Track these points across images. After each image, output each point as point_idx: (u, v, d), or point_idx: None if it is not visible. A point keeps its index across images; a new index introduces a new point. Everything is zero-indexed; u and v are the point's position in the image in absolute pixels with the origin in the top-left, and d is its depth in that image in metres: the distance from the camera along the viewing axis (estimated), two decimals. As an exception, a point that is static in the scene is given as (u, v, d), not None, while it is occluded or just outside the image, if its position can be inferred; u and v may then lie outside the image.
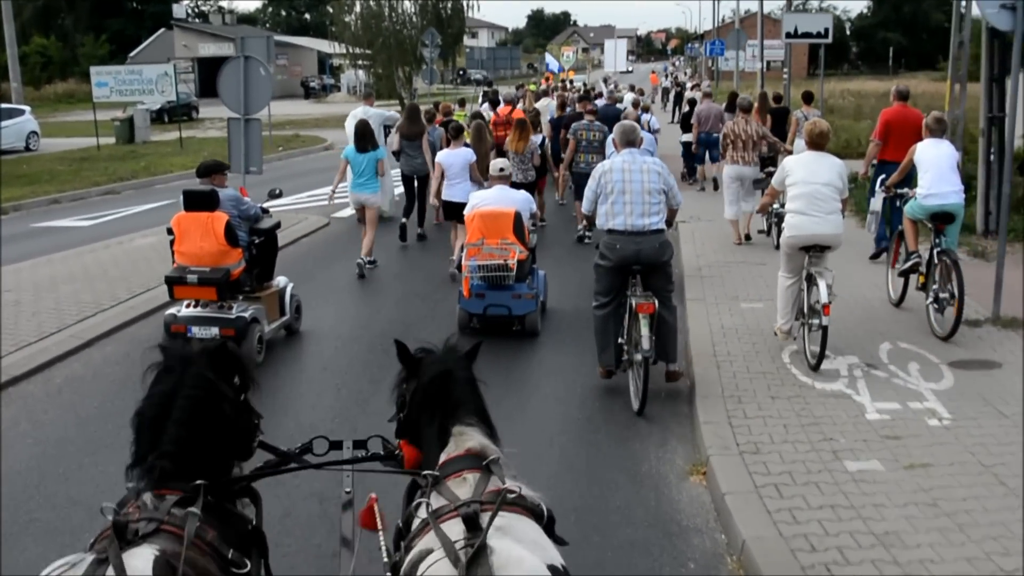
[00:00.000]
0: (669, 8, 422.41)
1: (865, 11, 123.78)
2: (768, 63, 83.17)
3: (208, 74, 58.47)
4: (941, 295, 10.02)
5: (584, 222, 15.70)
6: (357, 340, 10.84)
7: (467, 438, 3.69)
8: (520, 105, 22.43)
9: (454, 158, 14.00)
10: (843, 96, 54.50)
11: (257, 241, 10.34)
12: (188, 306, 9.77)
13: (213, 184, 9.98)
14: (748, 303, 11.62)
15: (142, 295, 12.48)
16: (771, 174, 13.42)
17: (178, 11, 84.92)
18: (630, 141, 9.07)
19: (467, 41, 73.19)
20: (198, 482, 3.45)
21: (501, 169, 11.58)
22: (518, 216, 10.81)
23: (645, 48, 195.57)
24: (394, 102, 60.74)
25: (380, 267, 14.42)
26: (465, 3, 62.34)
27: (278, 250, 10.94)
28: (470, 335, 10.47)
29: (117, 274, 13.65)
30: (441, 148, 15.35)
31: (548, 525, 3.49)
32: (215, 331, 9.39)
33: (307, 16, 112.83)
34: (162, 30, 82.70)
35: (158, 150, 33.21)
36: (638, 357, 8.34)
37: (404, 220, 16.53)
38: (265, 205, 11.15)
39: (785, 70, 31.73)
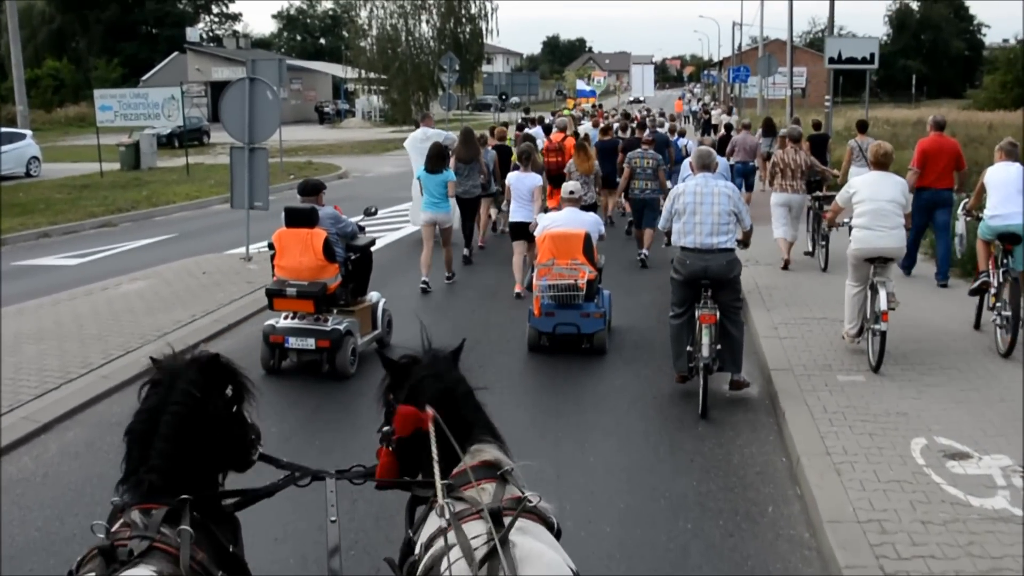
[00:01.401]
0: (684, 35, 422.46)
1: (885, 39, 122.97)
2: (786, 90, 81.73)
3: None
4: (1004, 313, 10.26)
5: (646, 248, 16.39)
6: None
7: (483, 452, 3.75)
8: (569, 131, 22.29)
9: (522, 181, 14.52)
10: (875, 124, 52.92)
11: (353, 257, 10.64)
12: (286, 318, 10.17)
13: (313, 203, 10.24)
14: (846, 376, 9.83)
15: (119, 360, 10.32)
16: (819, 199, 15.60)
17: (192, 35, 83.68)
18: (705, 165, 9.77)
19: (483, 67, 71.81)
20: (183, 496, 3.44)
21: (571, 192, 11.78)
22: (588, 237, 11.04)
23: (660, 75, 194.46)
24: (410, 128, 59.36)
25: (440, 286, 14.56)
26: (484, 28, 60.99)
27: (372, 266, 11.20)
28: (539, 353, 11.05)
29: (94, 331, 11.47)
30: (494, 171, 17.22)
31: (556, 537, 3.53)
32: (311, 342, 9.90)
33: (322, 41, 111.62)
34: (175, 54, 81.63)
35: (163, 177, 31.40)
36: (701, 364, 8.97)
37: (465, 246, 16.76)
38: (361, 223, 11.52)
39: (827, 98, 29.84)
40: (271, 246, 10.21)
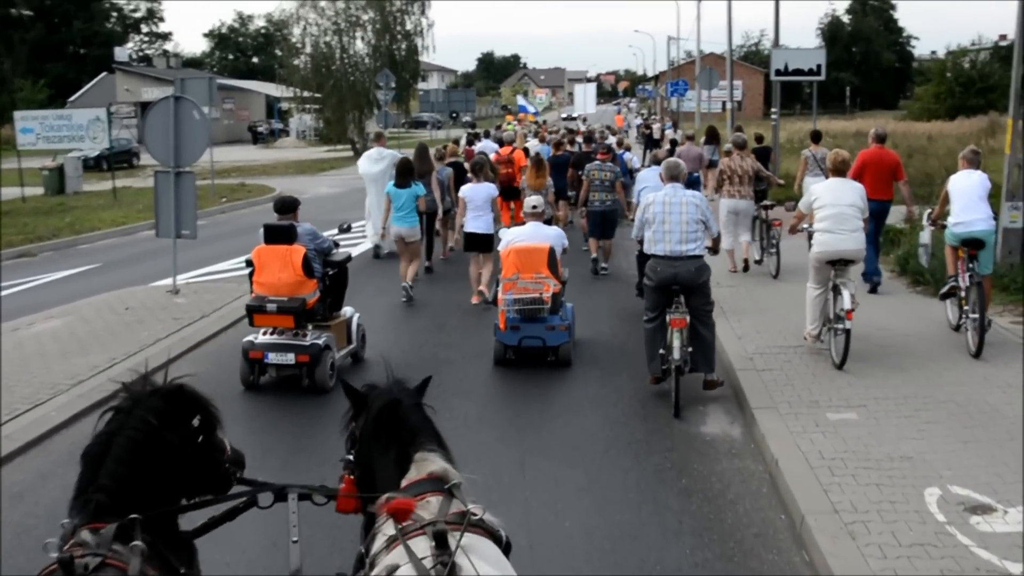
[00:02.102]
0: (618, 50, 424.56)
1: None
2: (723, 104, 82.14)
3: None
4: (971, 316, 10.65)
5: (601, 256, 16.72)
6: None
7: (429, 463, 3.70)
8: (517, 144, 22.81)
9: (477, 192, 14.60)
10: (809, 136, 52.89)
11: (331, 273, 10.81)
12: (265, 333, 10.31)
13: (290, 220, 10.42)
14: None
15: (24, 416, 9.01)
16: (767, 207, 16.25)
17: (120, 55, 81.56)
18: (674, 176, 10.10)
19: (418, 84, 70.65)
20: (132, 516, 3.40)
21: (535, 207, 11.99)
22: (552, 251, 11.20)
23: (596, 91, 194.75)
24: (345, 147, 58.20)
25: (403, 299, 14.52)
26: (420, 44, 59.77)
27: (348, 281, 11.37)
28: (506, 367, 11.09)
29: (-3, 380, 10.19)
30: (449, 187, 17.27)
31: (505, 551, 3.51)
32: (291, 357, 10.03)
33: (255, 59, 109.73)
34: (104, 74, 79.45)
35: (89, 202, 29.94)
36: (673, 366, 9.26)
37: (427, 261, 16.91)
38: (336, 238, 11.63)
39: (774, 110, 29.22)
40: (249, 263, 10.32)
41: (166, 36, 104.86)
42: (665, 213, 9.65)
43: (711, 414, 9.36)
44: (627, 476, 7.82)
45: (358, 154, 56.04)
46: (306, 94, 59.01)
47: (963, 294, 11.01)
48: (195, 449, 3.85)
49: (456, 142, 25.84)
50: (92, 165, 42.21)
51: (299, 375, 10.21)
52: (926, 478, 7.18)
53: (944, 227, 11.65)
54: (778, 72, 27.27)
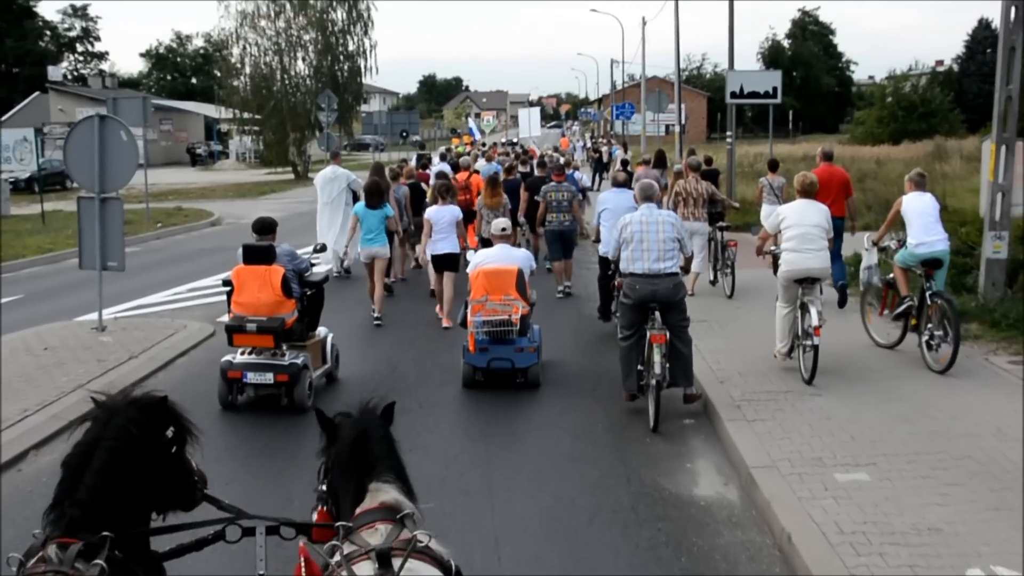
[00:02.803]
0: (560, 73, 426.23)
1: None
2: (667, 127, 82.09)
3: (84, 140, 53.41)
4: (936, 333, 10.90)
5: (568, 280, 17.02)
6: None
7: (382, 493, 3.75)
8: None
9: (442, 214, 14.59)
10: (762, 159, 53.31)
11: (309, 293, 10.84)
12: (243, 353, 10.23)
13: (269, 240, 10.50)
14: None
15: None
16: (723, 228, 16.52)
17: (54, 74, 79.55)
18: (648, 197, 10.37)
19: (361, 107, 69.48)
20: (104, 534, 3.41)
21: (504, 229, 12.19)
22: (520, 273, 11.29)
23: (539, 114, 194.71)
24: (286, 170, 56.87)
25: (370, 319, 14.60)
26: (363, 65, 58.59)
27: (324, 301, 11.41)
28: (475, 389, 11.10)
29: None
30: (405, 207, 17.36)
31: None
32: (270, 376, 10.03)
33: (194, 80, 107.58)
34: (36, 94, 77.23)
35: (15, 227, 28.32)
36: (652, 381, 9.37)
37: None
38: (312, 259, 11.87)
39: (729, 133, 28.53)
40: (227, 283, 10.42)
41: (102, 56, 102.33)
42: (643, 232, 9.85)
43: (701, 473, 8.38)
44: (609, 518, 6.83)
45: (299, 177, 55.13)
46: (246, 115, 57.56)
47: (914, 313, 11.32)
48: (168, 461, 3.86)
49: (406, 162, 25.39)
50: (23, 187, 40.57)
51: (277, 395, 10.23)
52: (964, 556, 6.24)
53: (884, 248, 12.22)
54: (733, 95, 26.58)
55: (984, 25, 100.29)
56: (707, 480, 8.24)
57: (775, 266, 11.65)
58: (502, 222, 12.45)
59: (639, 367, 9.70)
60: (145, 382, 11.03)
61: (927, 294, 11.06)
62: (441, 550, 3.58)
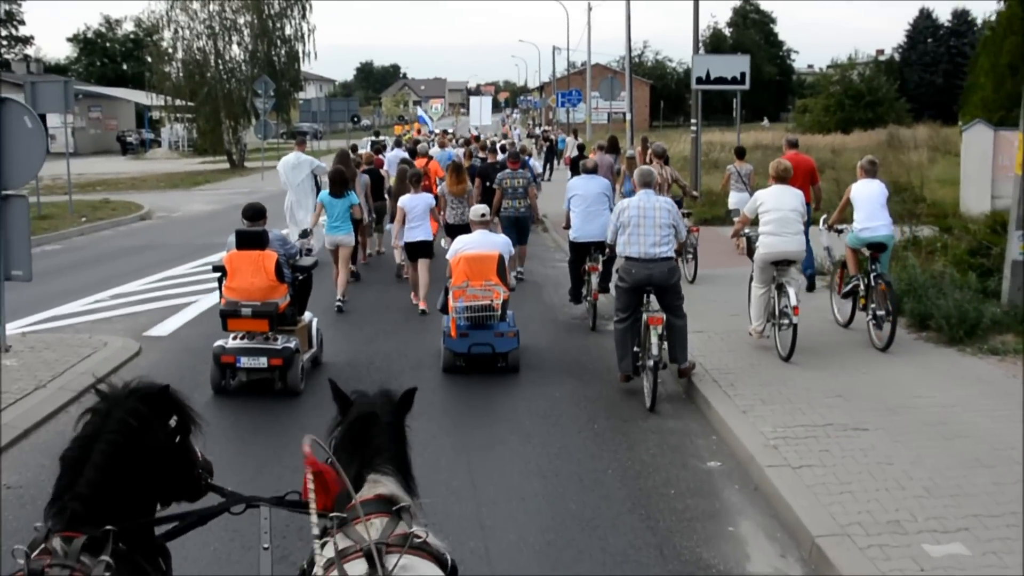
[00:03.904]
0: (499, 60, 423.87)
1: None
2: (608, 115, 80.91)
3: (7, 128, 50.32)
4: (879, 312, 11.39)
5: (520, 266, 17.17)
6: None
7: (380, 485, 3.65)
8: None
9: (416, 202, 14.72)
10: (712, 148, 53.40)
11: (301, 278, 11.07)
12: (235, 338, 10.36)
13: (260, 226, 10.57)
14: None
15: None
16: (686, 215, 15.65)
17: (-27, 57, 76.42)
18: (647, 183, 10.66)
19: (298, 94, 67.20)
20: (107, 527, 3.40)
21: (483, 215, 12.36)
22: (501, 259, 11.46)
23: (491, 103, 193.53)
24: (221, 158, 54.55)
25: (336, 310, 14.62)
26: (301, 51, 56.28)
27: (312, 286, 11.68)
28: (456, 374, 11.19)
29: None
30: (367, 194, 17.83)
31: (451, 574, 3.51)
32: (264, 360, 10.15)
33: (125, 66, 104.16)
34: (-47, 78, 74.08)
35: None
36: (650, 362, 9.72)
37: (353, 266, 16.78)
38: (308, 245, 12.32)
39: (694, 121, 27.06)
40: (217, 268, 10.63)
41: (27, 40, 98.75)
42: (640, 217, 10.18)
43: (751, 542, 6.77)
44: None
45: (235, 166, 52.93)
46: (178, 102, 55.14)
47: (862, 292, 11.85)
48: (171, 452, 3.81)
49: (354, 149, 24.48)
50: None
51: (270, 379, 10.35)
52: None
53: (840, 231, 12.66)
54: (699, 80, 25.12)
55: (925, 15, 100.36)
56: (758, 548, 6.69)
57: (749, 249, 12.43)
58: (481, 208, 12.64)
59: (636, 349, 10.04)
60: (57, 417, 9.25)
61: (871, 276, 11.63)
62: (439, 544, 3.49)
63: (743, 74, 25.19)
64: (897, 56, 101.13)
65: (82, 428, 3.65)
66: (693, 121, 27.02)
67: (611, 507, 7.32)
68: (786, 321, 10.83)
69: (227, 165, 53.23)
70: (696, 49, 26.80)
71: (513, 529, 6.87)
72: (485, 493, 7.57)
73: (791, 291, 10.83)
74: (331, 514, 3.56)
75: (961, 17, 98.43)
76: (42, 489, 5.42)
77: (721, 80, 25.50)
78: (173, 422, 3.82)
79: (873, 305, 11.46)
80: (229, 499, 4.04)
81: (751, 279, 11.87)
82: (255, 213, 10.71)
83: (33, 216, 26.33)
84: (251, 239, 10.32)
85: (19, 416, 9.02)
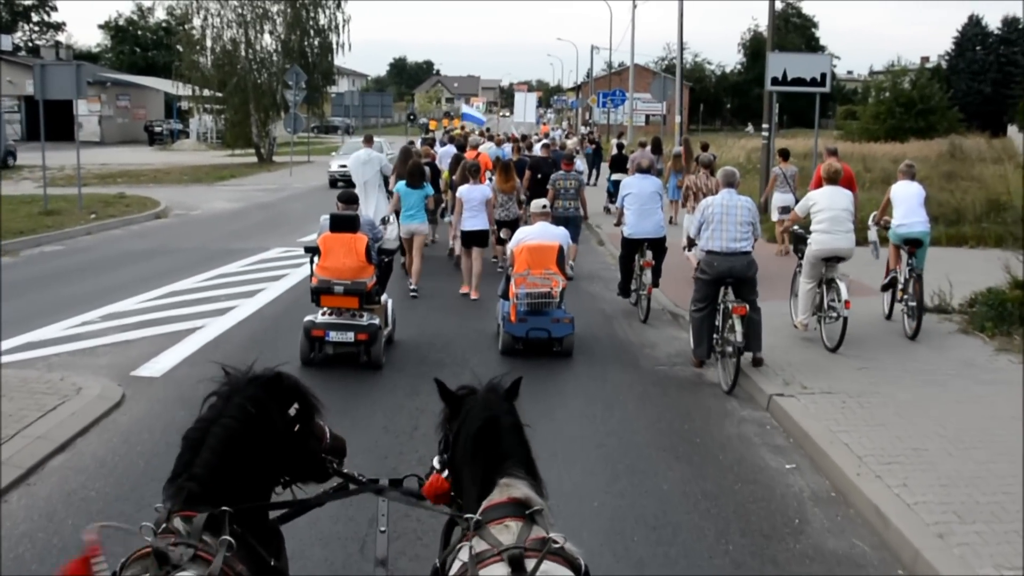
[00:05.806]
0: (534, 60, 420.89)
1: (739, 67, 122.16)
2: (647, 117, 78.52)
3: (37, 115, 48.18)
4: (911, 304, 12.35)
5: (572, 260, 16.99)
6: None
7: (513, 488, 3.63)
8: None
9: (474, 192, 15.60)
10: (750, 153, 51.71)
11: (386, 260, 11.92)
12: (324, 314, 11.03)
13: (352, 210, 11.57)
14: None
15: None
16: None
17: (6, 43, 74.96)
18: (730, 183, 11.41)
19: (331, 87, 65.19)
20: (223, 508, 3.45)
21: (544, 207, 13.05)
22: (561, 249, 12.06)
23: (508, 100, 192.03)
24: (248, 151, 52.58)
25: (407, 290, 15.47)
26: (335, 42, 54.07)
27: (393, 269, 12.66)
28: (513, 356, 11.80)
29: None
30: None
31: None
32: (351, 335, 10.87)
33: (154, 54, 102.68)
34: (-15, 64, 72.54)
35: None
36: (729, 349, 10.46)
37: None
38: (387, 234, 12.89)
39: (764, 125, 24.79)
40: (309, 249, 11.34)
41: (59, 27, 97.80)
42: (723, 214, 10.89)
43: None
44: None
45: (263, 160, 50.93)
46: (207, 93, 53.19)
47: (901, 286, 12.68)
48: (292, 438, 3.87)
49: (412, 143, 24.92)
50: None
51: (356, 353, 11.02)
52: None
53: (887, 227, 13.18)
54: (774, 81, 22.84)
55: (975, 22, 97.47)
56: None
57: (796, 246, 12.93)
58: (541, 201, 13.36)
59: (716, 336, 10.87)
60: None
61: (907, 269, 12.51)
62: (574, 550, 3.43)
63: (824, 75, 23.09)
64: (944, 64, 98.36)
65: (206, 410, 3.71)
66: (764, 126, 24.85)
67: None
68: (835, 314, 11.62)
69: (255, 159, 51.37)
70: (771, 45, 24.76)
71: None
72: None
73: (842, 286, 11.52)
74: (466, 515, 3.57)
75: (1012, 25, 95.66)
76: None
77: (799, 81, 23.20)
78: (293, 410, 3.86)
79: (907, 296, 12.41)
80: (346, 486, 4.18)
81: (794, 275, 12.77)
82: (349, 198, 11.88)
83: (38, 211, 24.48)
84: (345, 222, 11.10)
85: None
